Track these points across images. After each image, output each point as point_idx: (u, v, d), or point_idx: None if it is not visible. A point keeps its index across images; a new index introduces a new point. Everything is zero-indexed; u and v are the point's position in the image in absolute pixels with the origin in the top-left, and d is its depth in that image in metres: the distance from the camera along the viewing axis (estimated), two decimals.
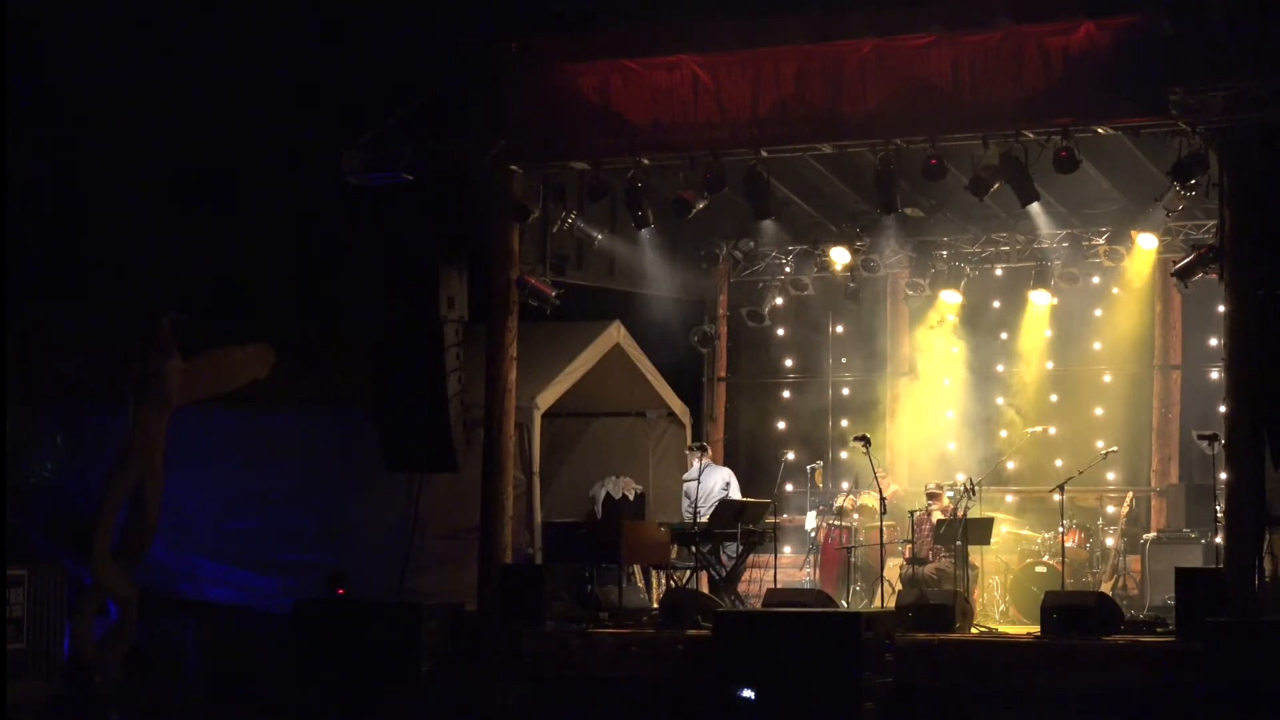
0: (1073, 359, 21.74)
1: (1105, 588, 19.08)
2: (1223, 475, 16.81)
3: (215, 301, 22.11)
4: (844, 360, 22.63)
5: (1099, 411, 21.55)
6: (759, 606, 17.89)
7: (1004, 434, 21.41)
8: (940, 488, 19.63)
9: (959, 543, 18.34)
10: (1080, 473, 19.37)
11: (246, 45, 23.73)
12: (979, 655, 16.53)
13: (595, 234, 19.45)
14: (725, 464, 22.61)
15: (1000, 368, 21.77)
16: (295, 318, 21.90)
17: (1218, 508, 17.57)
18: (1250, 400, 16.13)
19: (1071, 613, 16.57)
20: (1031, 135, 16.90)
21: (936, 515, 19.13)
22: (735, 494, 19.88)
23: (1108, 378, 21.69)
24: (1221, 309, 17.03)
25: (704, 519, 18.98)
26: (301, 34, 23.62)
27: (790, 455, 21.49)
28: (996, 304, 21.80)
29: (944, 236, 21.25)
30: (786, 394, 22.82)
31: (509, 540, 18.31)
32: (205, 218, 23.84)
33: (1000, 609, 19.40)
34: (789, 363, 22.84)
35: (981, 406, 21.67)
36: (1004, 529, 19.91)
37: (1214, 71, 16.16)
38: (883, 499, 18.34)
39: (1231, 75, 16.13)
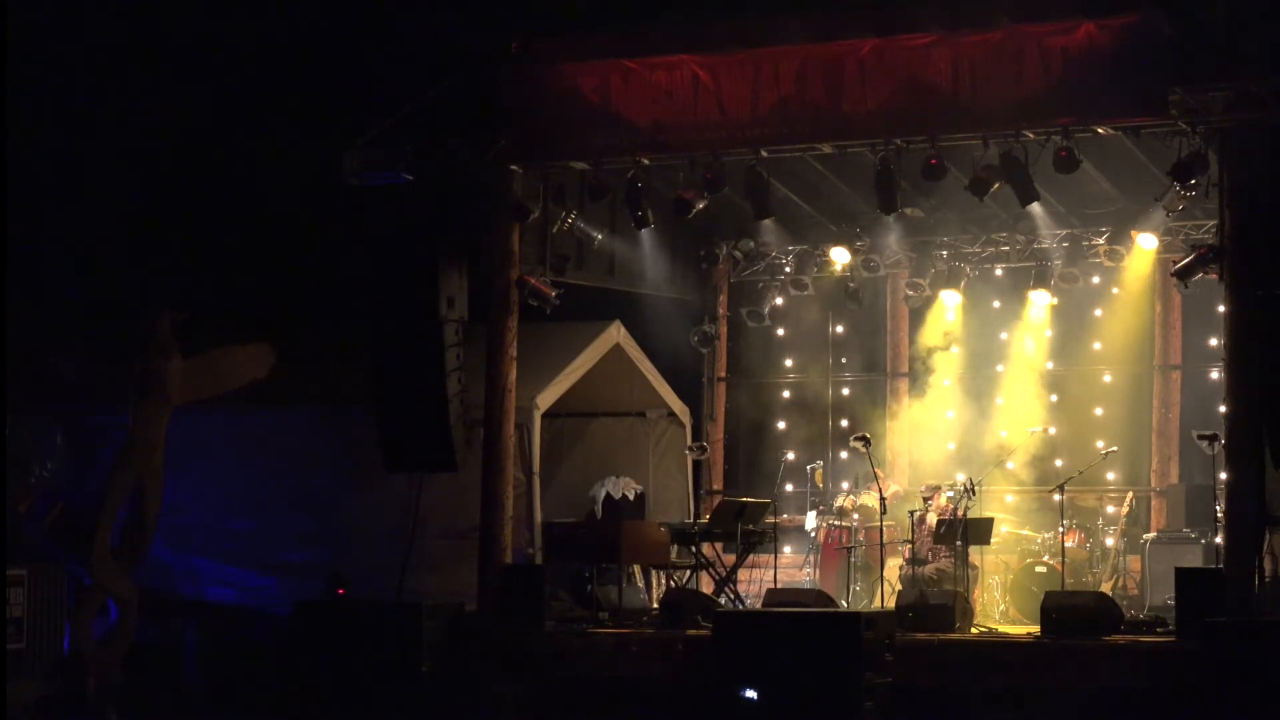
0: (1073, 359, 21.73)
1: (1105, 588, 19.08)
2: (1223, 475, 16.81)
3: (215, 301, 22.10)
4: (844, 360, 22.63)
5: (1099, 411, 21.55)
6: (759, 606, 17.89)
7: (1004, 434, 21.40)
8: (933, 489, 19.63)
9: (959, 543, 18.34)
10: (1080, 473, 19.38)
11: (247, 45, 23.73)
12: (979, 655, 16.53)
13: (595, 234, 19.46)
14: (725, 464, 22.67)
15: (1000, 368, 21.77)
16: (295, 317, 21.89)
17: (1218, 508, 17.57)
18: (1250, 400, 16.13)
19: (1071, 613, 16.57)
20: (1031, 135, 16.89)
21: (932, 517, 19.12)
22: None
23: (1108, 378, 21.69)
24: (1221, 309, 17.04)
25: None
26: (302, 34, 23.62)
27: (790, 455, 21.52)
28: (996, 304, 21.79)
29: (944, 236, 21.25)
30: (786, 394, 22.82)
31: (509, 540, 18.30)
32: (205, 218, 23.84)
33: (1000, 609, 19.40)
34: (789, 363, 22.83)
35: (981, 406, 21.67)
36: (1004, 529, 19.92)
37: (1214, 71, 16.17)
38: (883, 499, 18.34)
39: (1231, 75, 16.15)
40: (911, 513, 19.35)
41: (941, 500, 19.39)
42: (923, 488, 19.86)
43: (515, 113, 18.00)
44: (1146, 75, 16.20)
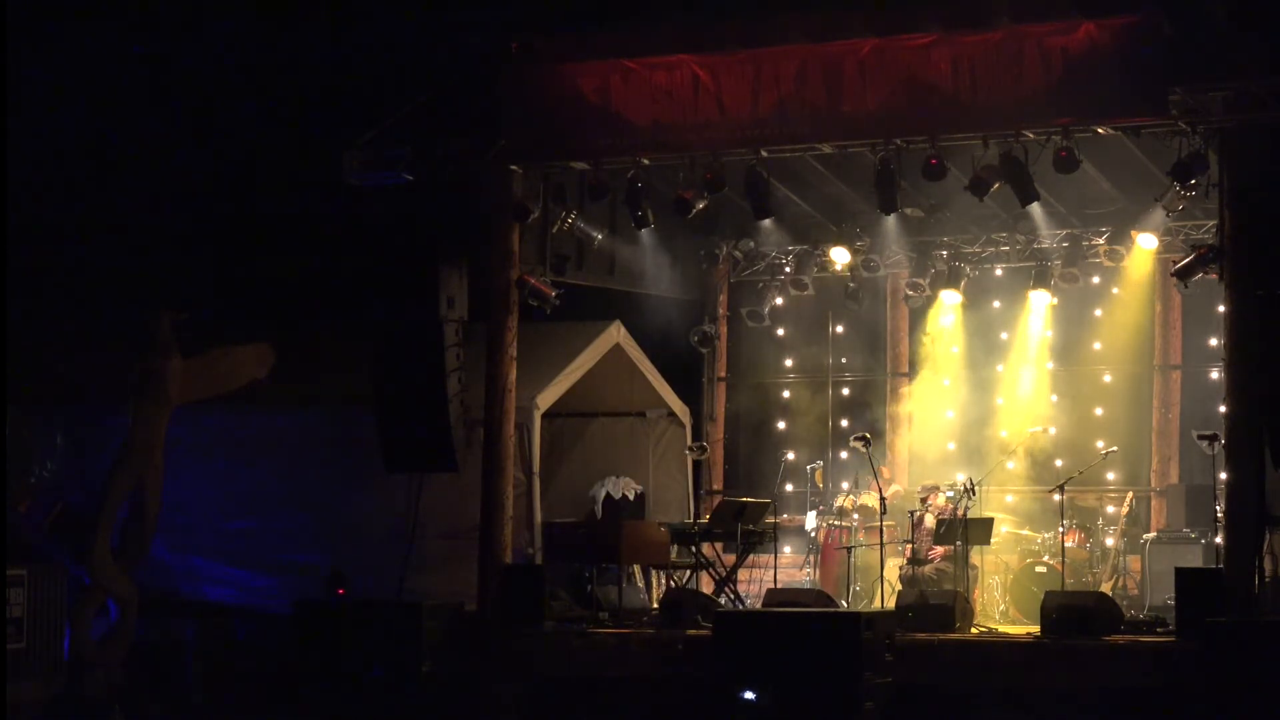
0: (1073, 359, 21.74)
1: (1105, 588, 19.08)
2: (1223, 475, 16.81)
3: (215, 301, 22.10)
4: (844, 360, 22.63)
5: (1099, 411, 21.56)
6: (759, 606, 17.89)
7: (1004, 434, 21.40)
8: (929, 490, 19.63)
9: (959, 543, 18.34)
10: (1080, 473, 19.38)
11: (247, 45, 23.73)
12: (979, 655, 16.53)
13: (595, 234, 19.46)
14: (725, 463, 22.67)
15: (1000, 368, 21.77)
16: (295, 318, 21.89)
17: (1218, 508, 17.56)
18: (1250, 400, 16.13)
19: (1071, 613, 16.57)
20: (1031, 135, 16.89)
21: (929, 517, 19.10)
22: None
23: (1108, 378, 21.69)
24: (1221, 309, 17.04)
25: None
26: (301, 34, 23.62)
27: (790, 455, 21.52)
28: (996, 304, 21.80)
29: (944, 236, 21.25)
30: (786, 394, 22.82)
31: (509, 540, 18.31)
32: (205, 217, 23.84)
33: (1000, 609, 19.40)
34: (789, 363, 22.84)
35: (981, 406, 21.67)
36: (1004, 529, 19.91)
37: (1214, 71, 16.17)
38: (883, 499, 18.34)
39: (1231, 75, 16.15)
40: (911, 513, 19.36)
41: (939, 500, 19.39)
42: (919, 488, 19.86)
43: (515, 113, 18.00)
44: (1146, 75, 16.19)
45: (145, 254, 23.06)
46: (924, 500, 19.48)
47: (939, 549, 18.85)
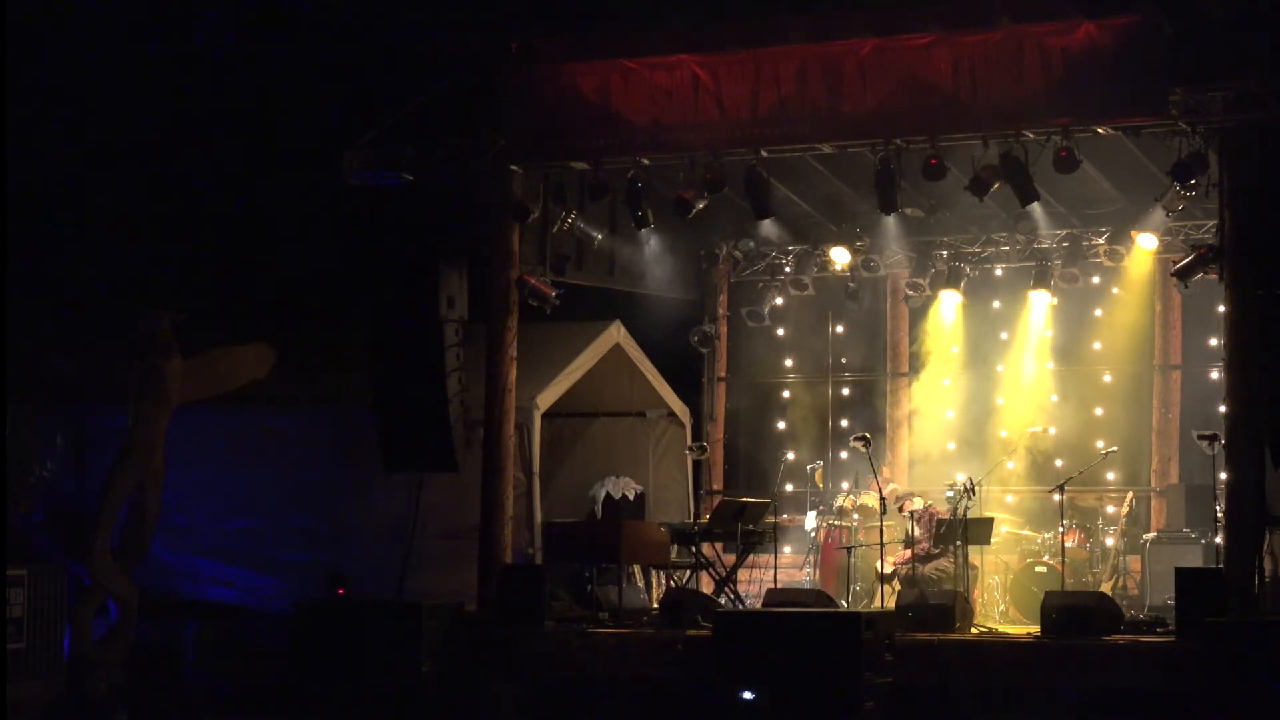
0: (1073, 359, 21.74)
1: (1105, 588, 19.09)
2: (1223, 475, 16.81)
3: (215, 301, 22.10)
4: (844, 360, 22.63)
5: (1099, 411, 21.55)
6: (759, 606, 17.90)
7: (1004, 434, 21.41)
8: (902, 499, 19.62)
9: (959, 543, 18.34)
10: (1080, 473, 19.39)
11: (247, 45, 23.73)
12: (979, 655, 16.52)
13: (595, 234, 19.46)
14: (725, 463, 22.67)
15: (1000, 368, 21.77)
16: (295, 318, 21.89)
17: (1218, 508, 17.56)
18: (1250, 400, 16.14)
19: (1071, 613, 16.57)
20: (1031, 135, 16.89)
21: (911, 524, 19.07)
22: None
23: (1108, 378, 21.70)
24: (1221, 309, 17.04)
25: None
26: (302, 34, 23.62)
27: (790, 455, 21.52)
28: (996, 304, 21.80)
29: (944, 236, 21.26)
30: (786, 394, 22.82)
31: (509, 540, 18.31)
32: (205, 217, 23.84)
33: (1000, 609, 19.41)
34: (789, 363, 22.84)
35: (981, 406, 21.68)
36: (1004, 529, 19.92)
37: (1214, 71, 16.18)
38: (883, 499, 18.34)
39: (1231, 75, 16.16)
40: (911, 513, 19.33)
41: (915, 504, 19.40)
42: (895, 499, 19.81)
43: (515, 113, 17.99)
44: (1146, 75, 16.19)
45: (145, 254, 23.06)
46: (900, 510, 19.47)
47: (908, 551, 18.85)
